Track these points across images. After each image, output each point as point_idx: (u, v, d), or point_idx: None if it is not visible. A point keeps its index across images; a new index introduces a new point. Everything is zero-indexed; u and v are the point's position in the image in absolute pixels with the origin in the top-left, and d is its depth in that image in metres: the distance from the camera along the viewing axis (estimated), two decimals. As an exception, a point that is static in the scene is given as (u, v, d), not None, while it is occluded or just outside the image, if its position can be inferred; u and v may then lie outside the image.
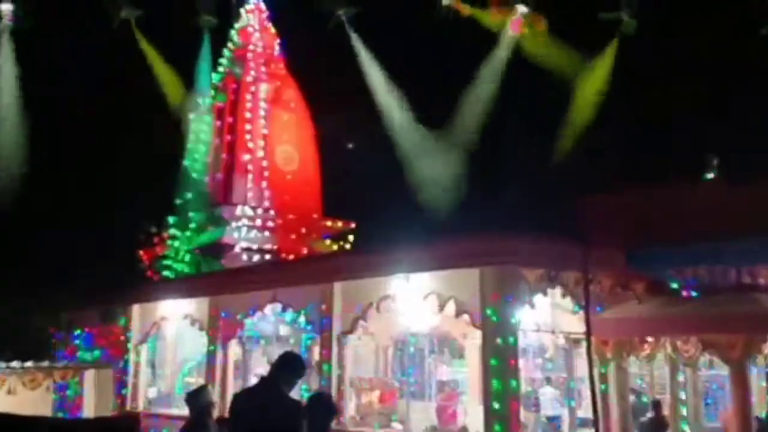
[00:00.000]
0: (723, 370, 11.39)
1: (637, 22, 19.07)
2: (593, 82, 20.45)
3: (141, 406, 15.95)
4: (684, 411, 11.90)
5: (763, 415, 12.01)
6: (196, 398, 8.12)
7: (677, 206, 10.98)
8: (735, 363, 9.99)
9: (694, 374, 12.11)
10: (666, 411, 11.92)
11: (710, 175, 12.01)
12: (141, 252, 20.75)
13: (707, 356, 10.81)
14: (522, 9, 20.43)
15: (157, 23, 21.64)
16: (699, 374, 12.33)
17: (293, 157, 21.75)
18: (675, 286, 11.08)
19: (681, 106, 19.23)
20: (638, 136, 19.83)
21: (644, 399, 12.78)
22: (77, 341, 19.36)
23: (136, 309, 16.64)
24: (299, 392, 12.45)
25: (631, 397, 11.99)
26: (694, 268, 10.77)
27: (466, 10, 20.31)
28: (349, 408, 12.10)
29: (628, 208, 11.18)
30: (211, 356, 14.43)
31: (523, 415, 10.71)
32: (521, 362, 10.89)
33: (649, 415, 11.96)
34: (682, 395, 11.92)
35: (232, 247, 19.94)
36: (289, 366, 5.53)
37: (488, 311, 10.19)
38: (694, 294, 10.92)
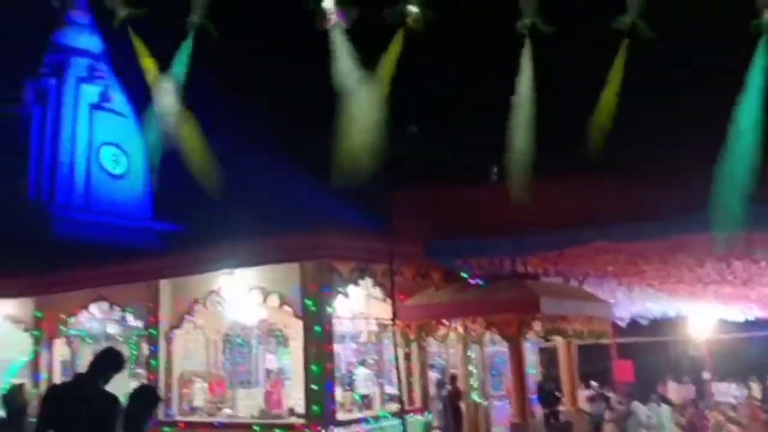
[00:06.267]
0: (504, 347, 11.78)
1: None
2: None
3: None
4: (475, 383, 12.52)
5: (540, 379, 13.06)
6: (11, 399, 7.43)
7: (467, 205, 11.16)
8: (512, 338, 10.57)
9: (481, 350, 12.81)
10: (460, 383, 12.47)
11: (493, 179, 12.51)
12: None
13: (491, 334, 11.26)
14: None
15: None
16: (486, 350, 13.01)
17: (121, 159, 20.33)
18: (464, 275, 11.41)
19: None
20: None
21: (448, 374, 13.25)
22: None
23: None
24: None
25: (436, 374, 12.42)
26: (478, 259, 11.01)
27: None
28: (177, 400, 11.62)
29: (426, 206, 11.21)
30: (36, 356, 13.26)
31: (340, 394, 10.79)
32: (339, 347, 11.06)
33: (448, 387, 12.41)
34: (473, 369, 12.52)
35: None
36: (105, 360, 5.20)
37: (308, 302, 10.19)
38: (479, 282, 11.30)
